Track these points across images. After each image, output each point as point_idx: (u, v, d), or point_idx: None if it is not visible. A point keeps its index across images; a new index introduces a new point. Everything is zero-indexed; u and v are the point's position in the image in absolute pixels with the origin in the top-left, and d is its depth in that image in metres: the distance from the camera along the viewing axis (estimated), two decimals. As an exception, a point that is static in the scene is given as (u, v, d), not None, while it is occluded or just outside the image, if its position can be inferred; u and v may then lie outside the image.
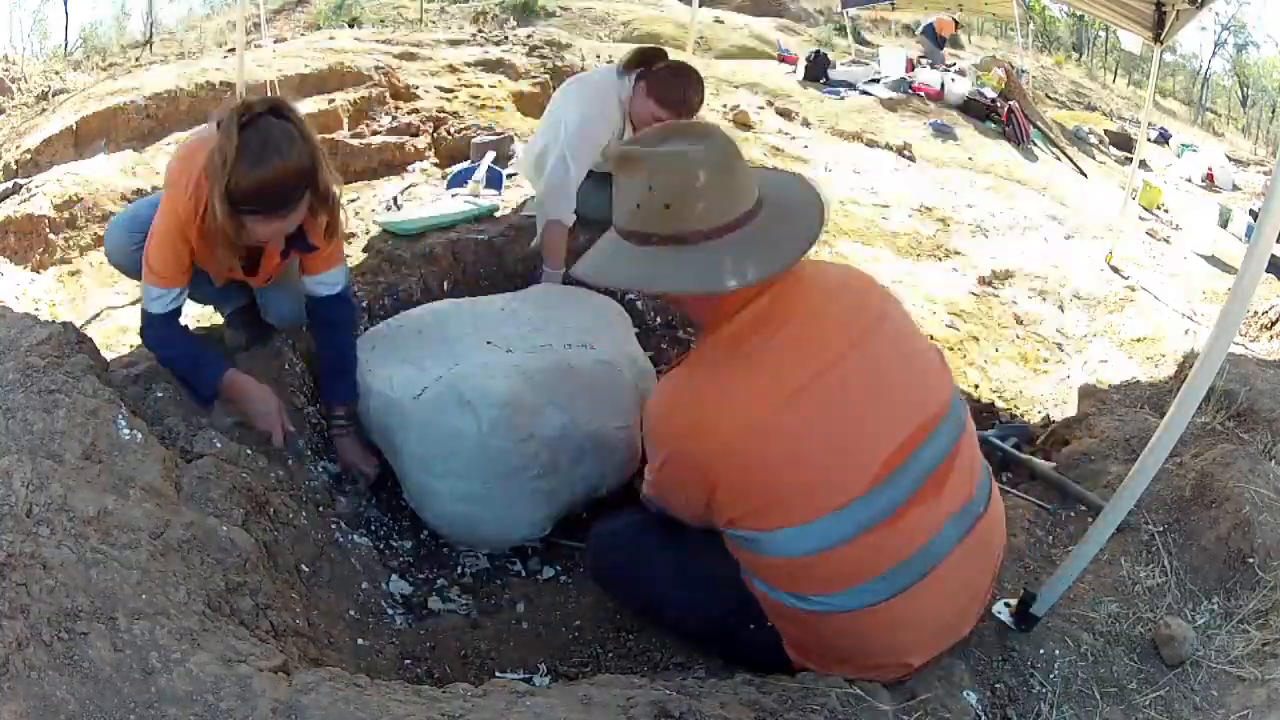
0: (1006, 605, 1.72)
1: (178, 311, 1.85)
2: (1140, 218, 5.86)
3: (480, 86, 5.58)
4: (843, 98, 7.86)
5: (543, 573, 2.02)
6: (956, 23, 11.35)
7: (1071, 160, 7.78)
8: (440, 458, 1.92)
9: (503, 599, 1.92)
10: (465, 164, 3.79)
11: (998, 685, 1.59)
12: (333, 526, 1.92)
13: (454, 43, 6.69)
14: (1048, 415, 2.81)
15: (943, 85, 8.42)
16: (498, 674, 1.69)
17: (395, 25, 9.63)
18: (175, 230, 1.75)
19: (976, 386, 2.95)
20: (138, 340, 1.98)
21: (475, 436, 1.89)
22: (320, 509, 1.93)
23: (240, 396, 1.88)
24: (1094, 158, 8.55)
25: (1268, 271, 3.79)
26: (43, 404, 1.45)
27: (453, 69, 5.81)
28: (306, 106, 4.57)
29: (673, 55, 2.67)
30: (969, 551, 1.43)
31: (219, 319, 2.29)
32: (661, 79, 2.54)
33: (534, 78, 5.97)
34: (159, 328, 1.83)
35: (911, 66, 9.31)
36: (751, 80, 7.78)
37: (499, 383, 1.96)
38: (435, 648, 1.73)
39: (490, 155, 3.75)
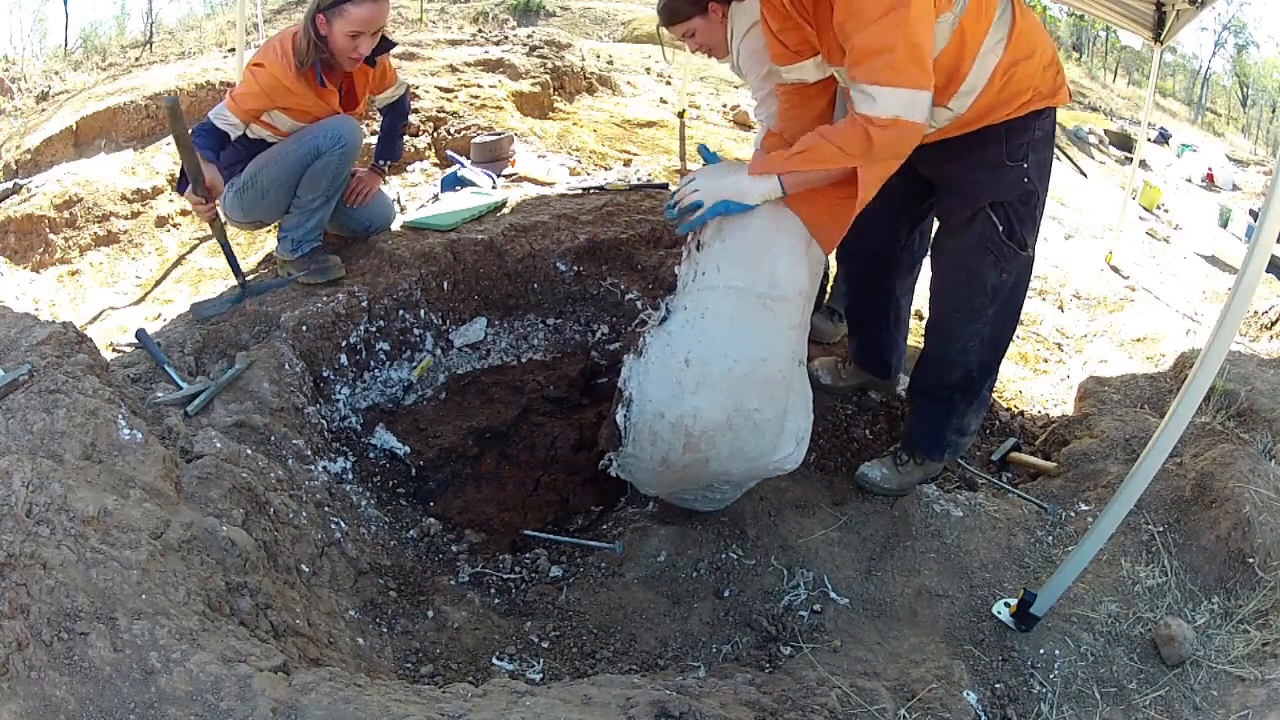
0: (1006, 605, 1.73)
1: (221, 132, 2.39)
2: (1140, 218, 5.87)
3: (480, 86, 5.58)
4: (843, 97, 7.86)
5: (549, 572, 2.02)
6: None
7: (1071, 160, 7.79)
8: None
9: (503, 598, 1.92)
10: (451, 169, 3.90)
11: (998, 685, 1.59)
12: (332, 526, 1.92)
13: (454, 43, 6.69)
14: (1047, 415, 2.80)
15: (943, 85, 8.43)
16: (494, 661, 1.69)
17: (395, 25, 9.63)
18: (270, 87, 2.33)
19: (976, 386, 2.94)
20: (138, 340, 2.01)
21: None
22: (320, 509, 1.93)
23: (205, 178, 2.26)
24: (1094, 158, 8.56)
25: (1268, 271, 3.79)
26: (43, 404, 1.45)
27: (452, 69, 5.81)
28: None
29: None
30: None
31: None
32: None
33: (534, 78, 5.97)
34: (205, 130, 2.36)
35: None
36: (752, 80, 7.78)
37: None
38: (436, 647, 1.73)
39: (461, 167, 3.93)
